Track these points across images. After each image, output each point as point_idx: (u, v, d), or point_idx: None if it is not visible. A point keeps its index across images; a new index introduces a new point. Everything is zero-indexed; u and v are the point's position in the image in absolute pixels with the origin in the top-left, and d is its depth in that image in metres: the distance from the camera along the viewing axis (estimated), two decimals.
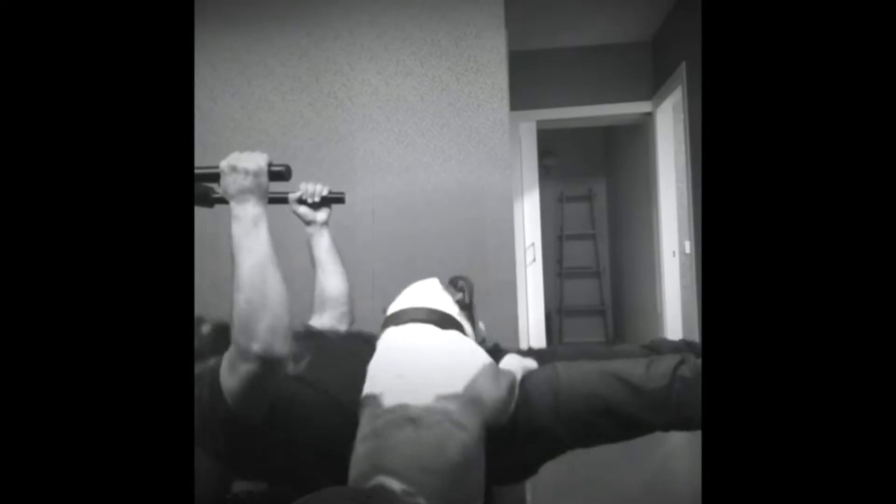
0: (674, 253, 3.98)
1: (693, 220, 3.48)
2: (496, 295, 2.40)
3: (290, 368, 1.16)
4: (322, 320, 1.47)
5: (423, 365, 1.11)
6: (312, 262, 1.52)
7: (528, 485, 2.42)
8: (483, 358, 1.17)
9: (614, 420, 1.21)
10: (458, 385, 1.09)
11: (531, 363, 1.28)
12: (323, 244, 1.50)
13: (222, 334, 1.27)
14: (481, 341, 1.30)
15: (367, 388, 1.11)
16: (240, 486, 2.26)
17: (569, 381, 1.23)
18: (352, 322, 1.53)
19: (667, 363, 1.21)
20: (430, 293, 1.25)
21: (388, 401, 1.06)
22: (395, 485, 0.99)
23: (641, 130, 4.40)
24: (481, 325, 1.35)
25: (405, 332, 1.17)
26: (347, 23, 2.48)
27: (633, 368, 1.22)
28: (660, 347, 1.41)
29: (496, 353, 1.30)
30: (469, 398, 1.09)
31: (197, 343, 1.22)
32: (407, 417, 1.04)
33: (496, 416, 1.13)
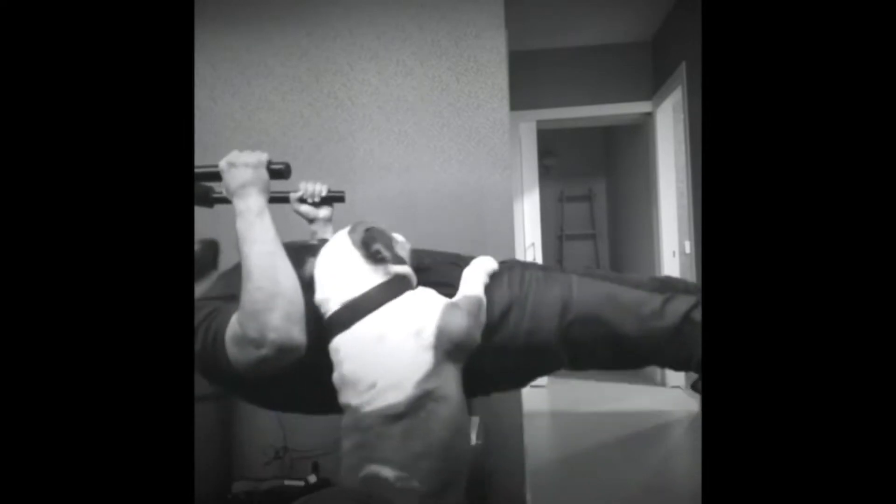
0: (674, 253, 3.98)
1: (693, 220, 3.48)
2: None
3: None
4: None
5: (389, 363, 1.07)
6: None
7: (528, 485, 2.42)
8: (434, 307, 1.12)
9: (616, 349, 1.21)
10: (427, 360, 1.06)
11: (493, 264, 1.26)
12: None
13: (212, 249, 1.29)
14: (409, 251, 1.25)
15: (343, 398, 1.08)
16: (240, 487, 2.27)
17: (580, 301, 1.21)
18: None
19: (681, 304, 1.19)
20: (346, 264, 1.14)
21: (369, 407, 1.04)
22: (389, 472, 0.99)
23: (641, 130, 4.40)
24: (398, 238, 1.26)
25: (355, 337, 1.09)
26: (347, 23, 2.49)
27: (647, 303, 1.20)
28: (672, 283, 1.36)
29: (434, 264, 1.27)
30: (440, 357, 1.07)
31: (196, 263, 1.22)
32: (392, 416, 1.03)
33: (470, 344, 1.12)
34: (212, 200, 1.40)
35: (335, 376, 1.09)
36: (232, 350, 1.04)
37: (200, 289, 1.22)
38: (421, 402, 1.03)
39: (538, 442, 3.19)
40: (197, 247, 1.28)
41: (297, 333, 1.03)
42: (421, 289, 1.17)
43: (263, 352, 1.00)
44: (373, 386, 1.05)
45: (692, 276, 3.55)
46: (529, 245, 4.25)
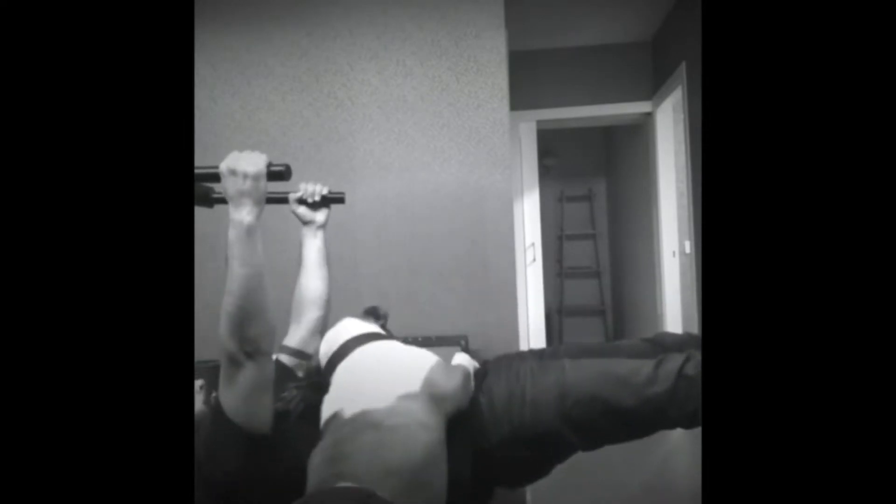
0: (674, 253, 3.98)
1: (693, 220, 3.48)
2: (496, 295, 2.40)
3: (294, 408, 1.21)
4: (299, 332, 1.46)
5: (379, 374, 1.15)
6: (300, 262, 1.52)
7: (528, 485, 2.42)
8: (432, 357, 1.22)
9: (620, 422, 1.23)
10: (414, 384, 1.13)
11: (474, 363, 1.32)
12: (315, 245, 1.49)
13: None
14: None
15: (326, 413, 1.13)
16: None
17: (575, 382, 1.24)
18: (325, 329, 1.52)
19: (672, 364, 1.22)
20: (353, 327, 1.30)
21: (349, 412, 1.08)
22: (352, 486, 0.99)
23: (641, 130, 4.40)
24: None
25: (354, 359, 1.21)
26: (347, 23, 2.49)
27: (640, 371, 1.22)
28: (662, 342, 1.41)
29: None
30: (427, 395, 1.13)
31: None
32: (369, 423, 1.05)
33: (455, 406, 1.17)
34: (212, 200, 1.39)
35: (326, 398, 1.17)
36: (226, 398, 1.11)
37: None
38: (399, 416, 1.06)
39: None
40: (197, 384, 1.33)
41: (266, 344, 1.12)
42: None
43: (243, 369, 1.09)
44: (359, 393, 1.12)
45: (692, 276, 3.55)
46: (529, 245, 4.26)
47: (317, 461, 1.06)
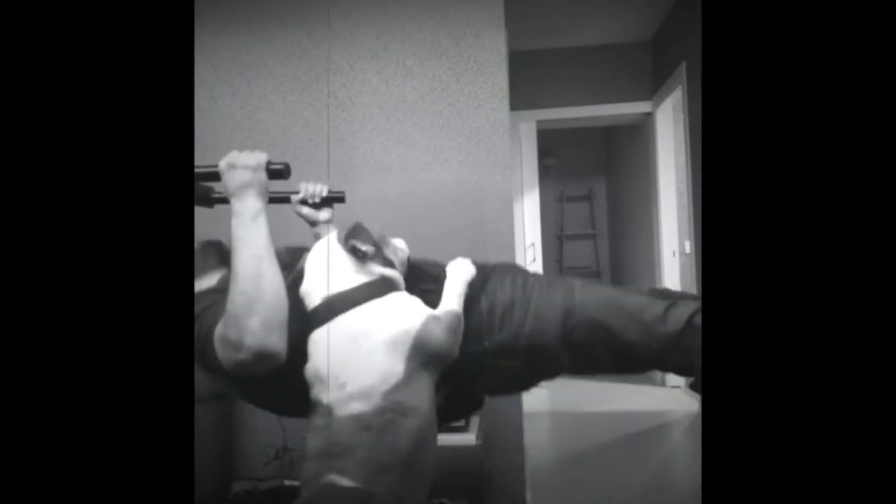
0: (674, 253, 3.98)
1: (693, 220, 3.48)
2: None
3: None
4: None
5: (361, 365, 1.06)
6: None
7: (528, 485, 2.42)
8: (415, 317, 1.11)
9: (619, 353, 1.21)
10: (398, 369, 1.06)
11: (470, 270, 1.25)
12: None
13: (213, 249, 1.30)
14: (407, 260, 1.26)
15: (314, 394, 1.07)
16: (240, 487, 2.27)
17: (582, 304, 1.21)
18: None
19: (684, 309, 1.19)
20: (332, 260, 1.15)
21: (339, 412, 1.03)
22: (345, 482, 0.98)
23: (641, 130, 4.40)
24: (397, 243, 1.27)
25: (332, 332, 1.09)
26: (347, 23, 2.49)
27: (650, 308, 1.20)
28: (670, 293, 1.38)
29: (430, 269, 1.27)
30: (413, 366, 1.07)
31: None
32: (360, 426, 1.02)
33: (447, 359, 1.13)
34: (212, 200, 1.40)
35: (308, 368, 1.09)
36: (217, 348, 1.05)
37: (204, 284, 1.22)
38: (387, 413, 1.03)
39: (538, 442, 3.19)
40: (197, 246, 1.29)
41: (275, 341, 1.03)
42: (406, 295, 1.16)
43: (241, 356, 1.01)
44: (342, 386, 1.04)
45: (692, 276, 3.55)
46: (529, 245, 4.26)
47: (311, 450, 1.04)
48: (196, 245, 1.28)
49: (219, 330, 1.04)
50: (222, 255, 1.33)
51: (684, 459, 2.86)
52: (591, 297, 1.23)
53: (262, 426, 2.40)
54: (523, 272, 1.33)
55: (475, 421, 1.95)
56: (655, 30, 4.01)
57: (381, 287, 1.14)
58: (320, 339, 1.09)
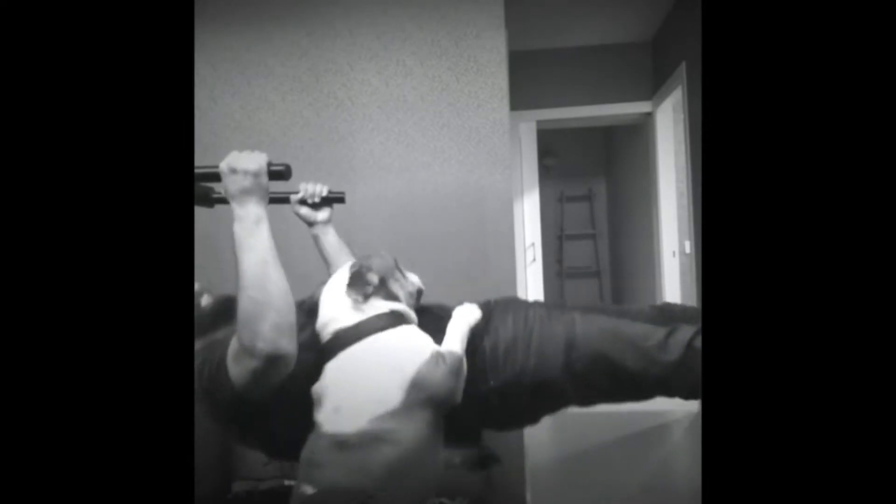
0: (674, 253, 3.98)
1: (693, 220, 3.48)
2: (496, 295, 2.40)
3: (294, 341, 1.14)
4: None
5: (359, 391, 1.09)
6: (324, 261, 1.52)
7: (528, 485, 2.42)
8: (420, 353, 1.13)
9: (623, 383, 1.22)
10: (395, 398, 1.07)
11: (477, 313, 1.26)
12: (330, 241, 1.51)
13: (223, 307, 1.28)
14: (417, 293, 1.27)
15: (315, 413, 1.11)
16: (240, 487, 2.27)
17: (584, 337, 1.22)
18: None
19: (683, 334, 1.20)
20: (343, 295, 1.17)
21: (327, 428, 1.08)
22: (309, 490, 1.03)
23: (641, 130, 4.40)
24: (412, 278, 1.28)
25: (340, 364, 1.13)
26: (347, 23, 2.48)
27: (650, 336, 1.21)
28: (670, 311, 1.37)
29: (436, 312, 1.27)
30: (410, 401, 1.08)
31: (196, 316, 1.22)
32: (337, 443, 1.05)
33: (445, 401, 1.13)
34: (212, 200, 1.40)
35: (314, 388, 1.12)
36: (232, 367, 1.07)
37: (213, 336, 1.22)
38: (368, 438, 1.05)
39: (538, 442, 3.19)
40: (205, 300, 1.29)
41: (286, 344, 1.05)
42: (415, 329, 1.18)
43: (255, 363, 1.03)
44: (337, 410, 1.08)
45: (692, 277, 3.55)
46: (529, 245, 4.26)
47: (303, 458, 1.09)
48: (207, 299, 1.29)
49: (232, 346, 1.07)
50: (224, 310, 1.31)
51: (684, 459, 2.86)
52: (592, 329, 1.24)
53: None
54: (524, 306, 1.35)
55: None
56: (655, 30, 4.01)
57: (390, 319, 1.16)
58: (329, 368, 1.13)
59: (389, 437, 1.06)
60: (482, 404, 1.21)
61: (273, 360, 1.04)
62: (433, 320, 1.25)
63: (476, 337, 1.23)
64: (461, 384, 1.15)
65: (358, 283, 1.16)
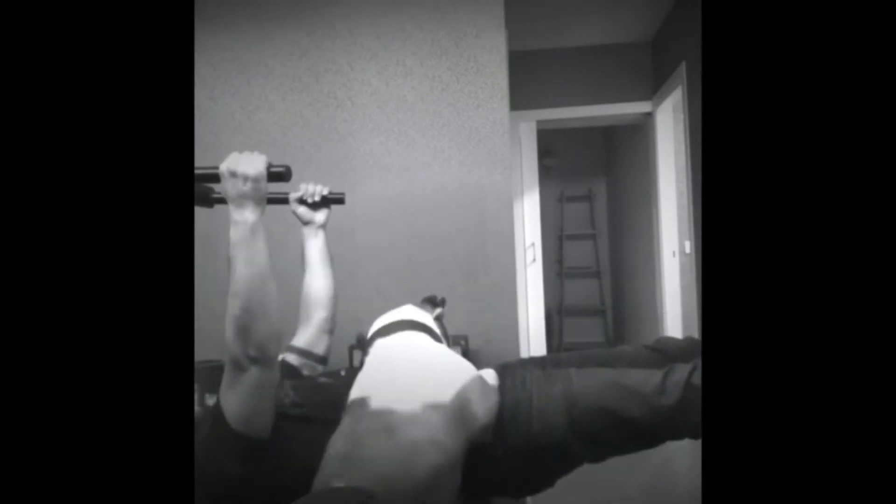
0: (674, 253, 3.98)
1: (693, 220, 3.48)
2: (496, 295, 2.40)
3: (290, 409, 1.18)
4: (307, 333, 1.46)
5: (414, 371, 1.10)
6: (303, 263, 1.52)
7: None
8: (471, 370, 1.17)
9: (628, 433, 1.21)
10: (446, 394, 1.08)
11: (496, 381, 1.28)
12: (317, 246, 1.50)
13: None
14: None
15: (355, 394, 1.10)
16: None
17: (583, 392, 1.22)
18: (333, 328, 1.52)
19: (680, 375, 1.20)
20: (408, 312, 1.26)
21: (375, 403, 1.06)
22: (339, 483, 1.00)
23: (641, 130, 4.40)
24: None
25: (396, 341, 1.16)
26: (347, 23, 2.49)
27: (648, 381, 1.21)
28: (665, 348, 1.39)
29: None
30: (456, 409, 1.08)
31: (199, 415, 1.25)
32: (386, 426, 1.03)
33: (481, 430, 1.13)
34: (212, 200, 1.40)
35: (361, 374, 1.14)
36: (228, 402, 1.08)
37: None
38: (418, 429, 1.03)
39: None
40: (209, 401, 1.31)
41: (274, 349, 1.09)
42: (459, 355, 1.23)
43: (246, 373, 1.06)
44: (391, 380, 1.10)
45: (692, 277, 3.55)
46: (529, 245, 4.26)
47: (332, 453, 1.05)
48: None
49: (224, 378, 1.09)
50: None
51: (684, 459, 2.86)
52: (590, 384, 1.24)
53: None
54: (521, 368, 1.36)
55: None
56: (655, 30, 4.01)
57: (438, 338, 1.24)
58: (378, 347, 1.18)
59: (439, 439, 1.04)
60: (494, 472, 1.21)
61: (262, 363, 1.07)
62: None
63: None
64: (493, 413, 1.17)
65: (430, 301, 1.28)
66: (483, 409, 1.13)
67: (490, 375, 1.25)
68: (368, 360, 1.17)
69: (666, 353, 1.34)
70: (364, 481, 0.99)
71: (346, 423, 1.08)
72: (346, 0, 2.49)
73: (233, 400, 1.08)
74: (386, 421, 1.03)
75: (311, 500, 1.01)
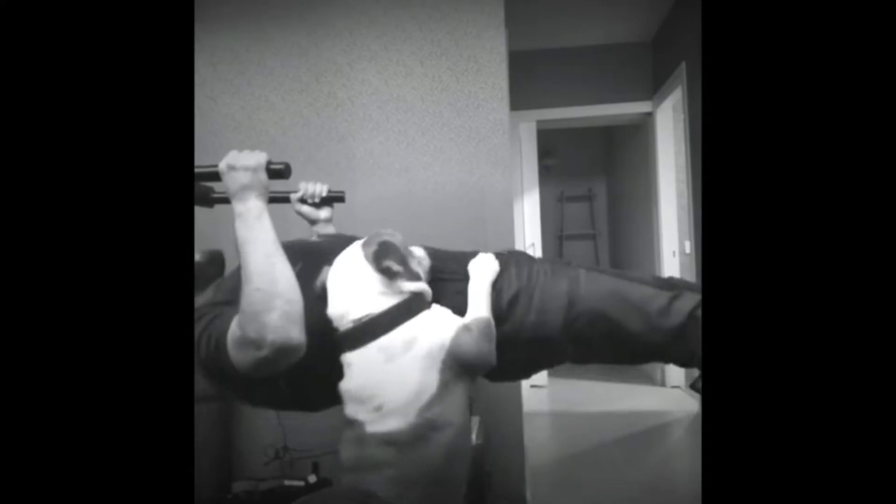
0: (674, 253, 3.98)
1: (693, 220, 3.48)
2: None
3: None
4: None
5: (396, 383, 1.06)
6: None
7: (528, 485, 2.42)
8: (446, 329, 1.10)
9: (621, 344, 1.21)
10: (433, 379, 1.05)
11: (495, 265, 1.23)
12: None
13: (217, 261, 1.29)
14: (429, 267, 1.24)
15: (349, 412, 1.08)
16: (240, 487, 2.27)
17: (587, 295, 1.21)
18: None
19: (687, 302, 1.19)
20: (360, 279, 1.12)
21: (371, 428, 1.04)
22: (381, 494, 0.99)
23: (641, 130, 4.40)
24: (417, 253, 1.25)
25: (367, 355, 1.08)
26: (347, 23, 2.49)
27: (654, 300, 1.20)
28: (678, 283, 1.36)
29: (451, 276, 1.24)
30: (448, 377, 1.06)
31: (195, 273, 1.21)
32: (387, 442, 1.03)
33: (482, 367, 1.11)
34: (212, 200, 1.40)
35: (343, 385, 1.09)
36: (234, 353, 1.04)
37: (202, 299, 1.21)
38: (422, 430, 1.03)
39: (538, 442, 3.19)
40: (200, 257, 1.29)
41: (297, 334, 1.02)
42: (436, 308, 1.15)
43: (263, 353, 1.00)
44: (379, 408, 1.04)
45: (692, 277, 3.55)
46: (529, 245, 4.25)
47: (347, 458, 1.06)
48: (197, 256, 1.28)
49: (233, 332, 1.04)
50: (218, 265, 1.33)
51: (684, 459, 2.86)
52: (596, 288, 1.22)
53: (262, 426, 2.40)
54: (528, 261, 1.32)
55: (475, 420, 1.95)
56: (655, 30, 4.01)
57: (412, 305, 1.12)
58: (354, 361, 1.09)
59: (440, 423, 1.04)
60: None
61: (284, 351, 1.01)
62: (455, 277, 1.23)
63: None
64: (493, 346, 1.12)
65: (390, 256, 1.11)
66: (475, 352, 1.09)
67: (484, 262, 1.22)
68: (348, 374, 1.11)
69: (676, 284, 1.33)
70: (383, 486, 1.00)
71: (349, 440, 1.07)
72: (346, 0, 2.49)
73: (239, 359, 1.03)
74: (389, 439, 1.03)
75: (312, 500, 1.01)
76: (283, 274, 1.05)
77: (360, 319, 1.09)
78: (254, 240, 1.06)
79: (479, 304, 1.16)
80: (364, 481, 1.02)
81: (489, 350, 1.11)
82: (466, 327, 1.11)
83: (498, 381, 1.38)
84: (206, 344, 1.07)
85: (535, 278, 1.24)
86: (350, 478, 1.05)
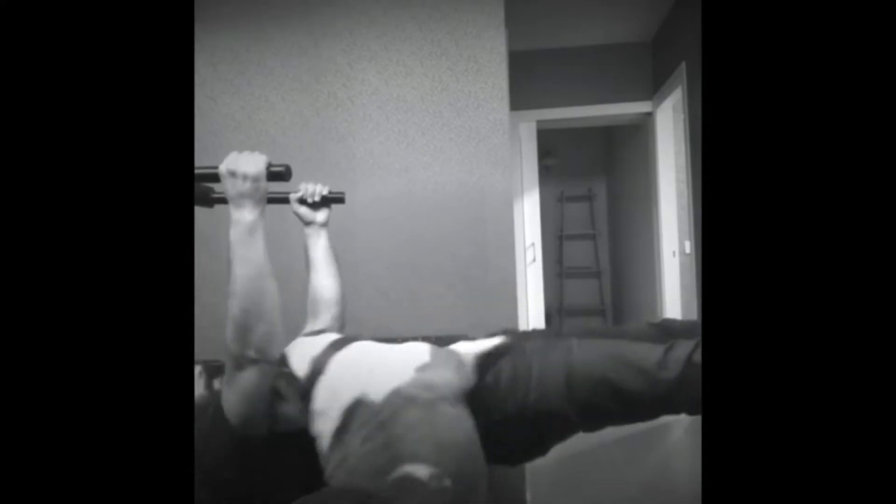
0: (674, 253, 3.98)
1: (693, 220, 3.48)
2: (496, 295, 2.40)
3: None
4: (316, 325, 1.48)
5: (382, 356, 1.13)
6: (307, 263, 1.52)
7: (528, 485, 2.42)
8: (424, 350, 1.18)
9: (626, 405, 1.21)
10: (424, 354, 1.14)
11: (473, 350, 1.27)
12: (320, 245, 1.50)
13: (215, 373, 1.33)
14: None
15: (349, 397, 1.08)
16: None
17: (583, 362, 1.22)
18: (343, 326, 1.52)
19: (682, 350, 1.19)
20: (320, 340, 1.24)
21: (377, 395, 1.04)
22: (422, 470, 0.95)
23: (641, 130, 4.40)
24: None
25: (344, 354, 1.17)
26: (347, 23, 2.48)
27: (649, 355, 1.20)
28: (669, 327, 1.37)
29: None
30: (437, 363, 1.13)
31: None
32: (406, 398, 1.03)
33: (462, 383, 1.16)
34: (212, 200, 1.40)
35: (327, 383, 1.12)
36: (227, 399, 1.09)
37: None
38: (428, 393, 1.04)
39: None
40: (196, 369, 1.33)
41: (274, 351, 1.10)
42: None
43: (245, 373, 1.07)
44: (371, 370, 1.09)
45: (692, 277, 3.55)
46: (529, 245, 4.26)
47: (366, 449, 1.02)
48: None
49: (225, 373, 1.10)
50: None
51: (684, 459, 2.86)
52: (590, 354, 1.23)
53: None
54: (522, 337, 1.36)
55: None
56: (655, 30, 4.01)
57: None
58: (342, 377, 1.13)
59: (450, 395, 1.07)
60: (487, 441, 1.21)
61: (261, 365, 1.08)
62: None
63: (481, 368, 1.24)
64: (466, 372, 1.18)
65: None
66: (449, 379, 1.14)
67: (462, 348, 1.26)
68: (330, 370, 1.14)
69: (669, 330, 1.33)
70: (420, 454, 0.98)
71: (360, 421, 1.05)
72: (345, 0, 2.49)
73: (231, 397, 1.09)
74: (402, 395, 1.05)
75: (311, 500, 1.01)
76: (270, 296, 1.10)
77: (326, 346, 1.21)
78: (245, 258, 1.09)
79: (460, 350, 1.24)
80: (396, 436, 0.99)
81: (454, 368, 1.17)
82: (440, 353, 1.20)
83: (514, 464, 1.41)
84: (207, 424, 1.13)
85: (529, 355, 1.26)
86: (379, 463, 0.98)
